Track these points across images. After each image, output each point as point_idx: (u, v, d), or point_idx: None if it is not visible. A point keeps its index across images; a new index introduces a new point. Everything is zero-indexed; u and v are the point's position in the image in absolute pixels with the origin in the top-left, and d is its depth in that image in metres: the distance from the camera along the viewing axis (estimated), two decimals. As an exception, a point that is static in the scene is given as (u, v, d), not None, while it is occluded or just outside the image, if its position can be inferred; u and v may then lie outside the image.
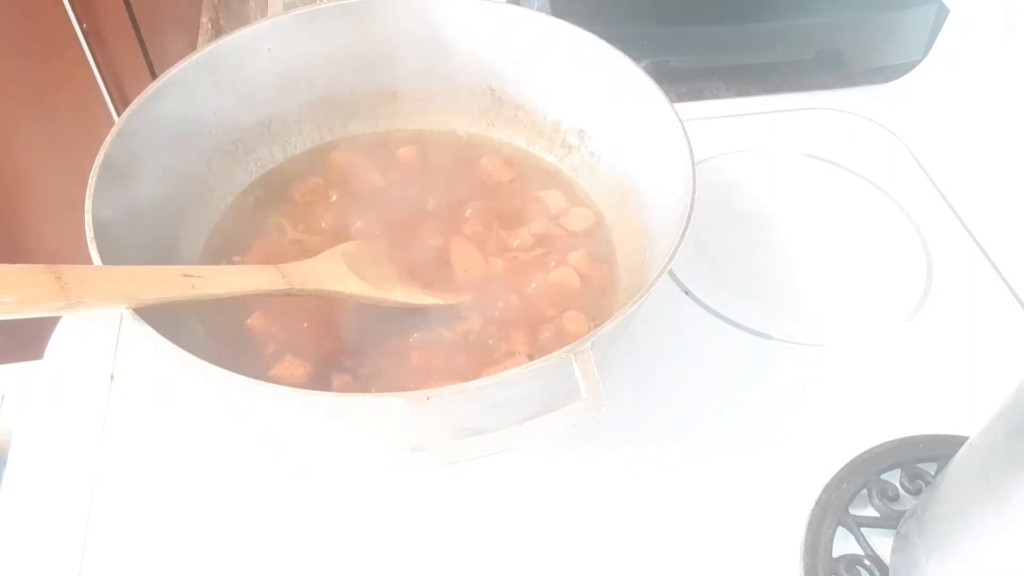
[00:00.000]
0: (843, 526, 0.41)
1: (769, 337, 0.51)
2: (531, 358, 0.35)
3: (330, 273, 0.44)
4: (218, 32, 0.76)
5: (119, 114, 0.59)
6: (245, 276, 0.41)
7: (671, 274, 0.54)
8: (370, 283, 0.44)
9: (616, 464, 0.44)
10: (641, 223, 0.48)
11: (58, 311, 0.34)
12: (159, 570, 0.41)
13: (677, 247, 0.38)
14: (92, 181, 0.40)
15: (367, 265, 0.45)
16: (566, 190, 0.54)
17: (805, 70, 0.71)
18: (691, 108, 0.67)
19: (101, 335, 0.50)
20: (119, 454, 0.45)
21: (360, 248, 0.46)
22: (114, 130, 0.43)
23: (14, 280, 0.33)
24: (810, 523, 0.41)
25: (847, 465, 0.43)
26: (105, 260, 0.37)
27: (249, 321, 0.45)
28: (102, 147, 0.42)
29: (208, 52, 0.48)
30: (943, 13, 0.65)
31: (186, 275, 0.38)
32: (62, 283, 0.33)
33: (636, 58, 0.48)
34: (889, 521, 0.41)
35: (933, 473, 0.43)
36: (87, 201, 0.39)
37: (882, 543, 0.40)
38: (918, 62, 0.67)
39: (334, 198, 0.52)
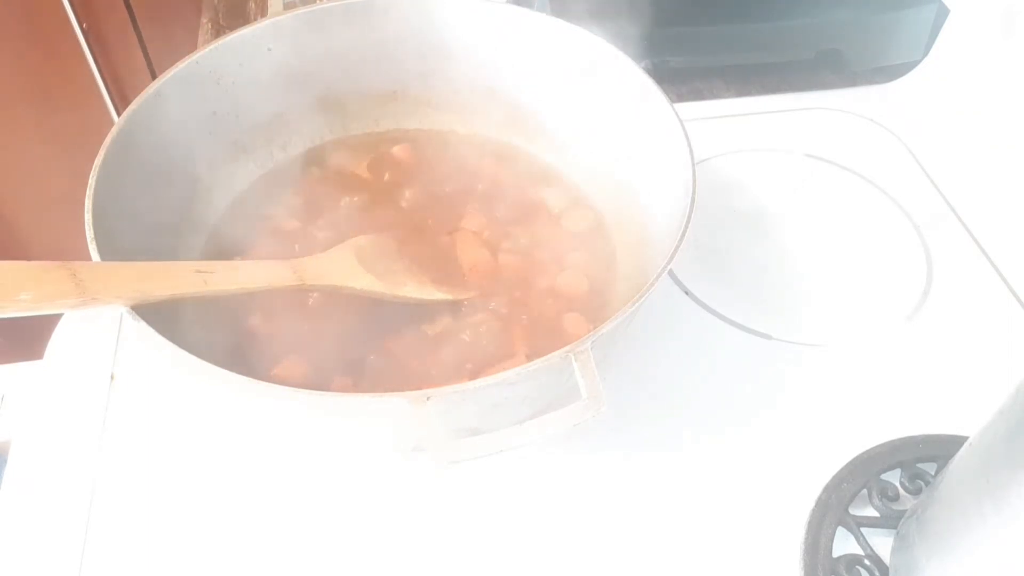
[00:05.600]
0: (843, 526, 0.41)
1: (769, 337, 0.51)
2: (530, 358, 0.35)
3: (341, 268, 0.44)
4: (218, 32, 0.76)
5: (119, 114, 0.59)
6: (257, 271, 0.41)
7: (671, 274, 0.54)
8: (380, 279, 0.44)
9: (616, 464, 0.44)
10: (641, 223, 0.48)
11: (72, 308, 0.34)
12: (159, 570, 0.41)
13: (677, 247, 0.38)
14: (92, 181, 0.40)
15: (378, 260, 0.45)
16: (566, 190, 0.54)
17: (805, 70, 0.71)
18: (691, 108, 0.67)
19: (101, 335, 0.50)
20: (119, 454, 0.45)
21: (371, 243, 0.46)
22: (114, 130, 0.43)
23: (30, 277, 0.33)
24: (810, 523, 0.41)
25: (847, 465, 0.43)
26: (105, 260, 0.37)
27: (250, 321, 0.45)
28: (102, 147, 0.42)
29: (208, 52, 0.48)
30: (943, 13, 0.65)
31: (199, 271, 0.38)
32: (77, 280, 0.33)
33: (636, 58, 0.48)
34: (889, 521, 0.41)
35: (933, 473, 0.43)
36: (87, 201, 0.39)
37: (882, 543, 0.40)
38: (918, 62, 0.67)
39: (334, 198, 0.52)
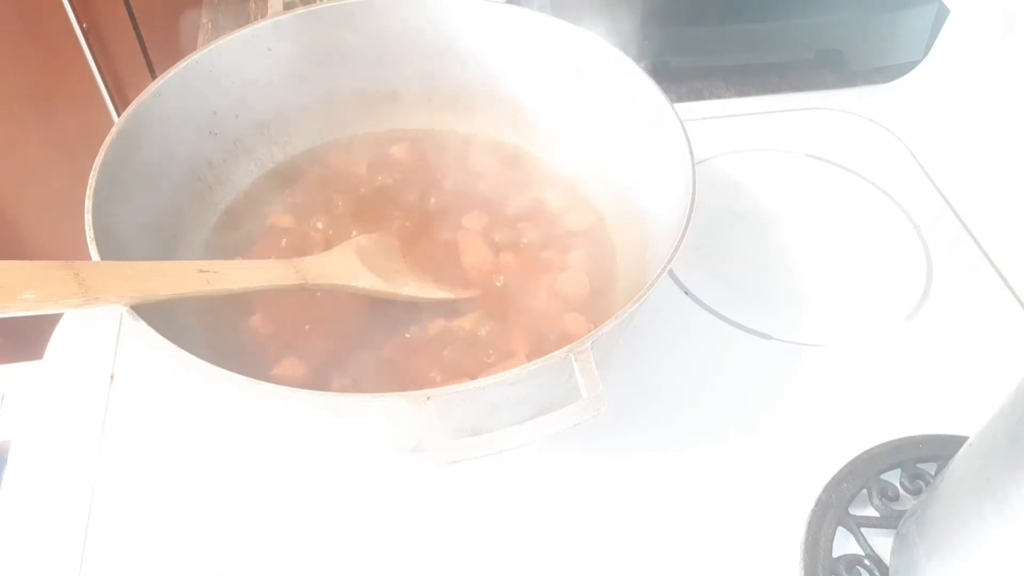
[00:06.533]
0: (843, 526, 0.41)
1: (769, 337, 0.51)
2: (530, 358, 0.35)
3: (343, 267, 0.44)
4: (218, 32, 0.76)
5: (119, 114, 0.59)
6: (259, 271, 0.41)
7: (671, 274, 0.54)
8: (382, 277, 0.44)
9: (615, 464, 0.44)
10: (641, 223, 0.48)
11: (75, 308, 0.34)
12: (159, 570, 0.41)
13: (677, 247, 0.38)
14: (92, 181, 0.40)
15: (379, 259, 0.45)
16: (566, 190, 0.53)
17: (805, 70, 0.71)
18: (691, 108, 0.67)
19: (101, 335, 0.50)
20: (119, 454, 0.45)
21: (373, 242, 0.47)
22: (114, 130, 0.43)
23: (33, 277, 0.33)
24: (810, 523, 0.41)
25: (847, 465, 0.43)
26: (105, 260, 0.37)
27: (250, 321, 0.45)
28: (102, 147, 0.42)
29: (208, 52, 0.48)
30: (943, 13, 0.65)
31: (201, 271, 0.38)
32: (80, 279, 0.33)
33: (636, 58, 0.48)
34: (889, 521, 0.41)
35: (933, 473, 0.43)
36: (87, 201, 0.39)
37: (882, 543, 0.40)
38: (918, 62, 0.67)
39: (334, 198, 0.52)
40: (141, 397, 0.47)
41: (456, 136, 0.57)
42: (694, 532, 0.42)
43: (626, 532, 0.42)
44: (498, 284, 0.48)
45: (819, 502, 0.42)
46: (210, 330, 0.44)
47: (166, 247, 0.46)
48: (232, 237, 0.50)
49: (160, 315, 0.36)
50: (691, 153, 0.43)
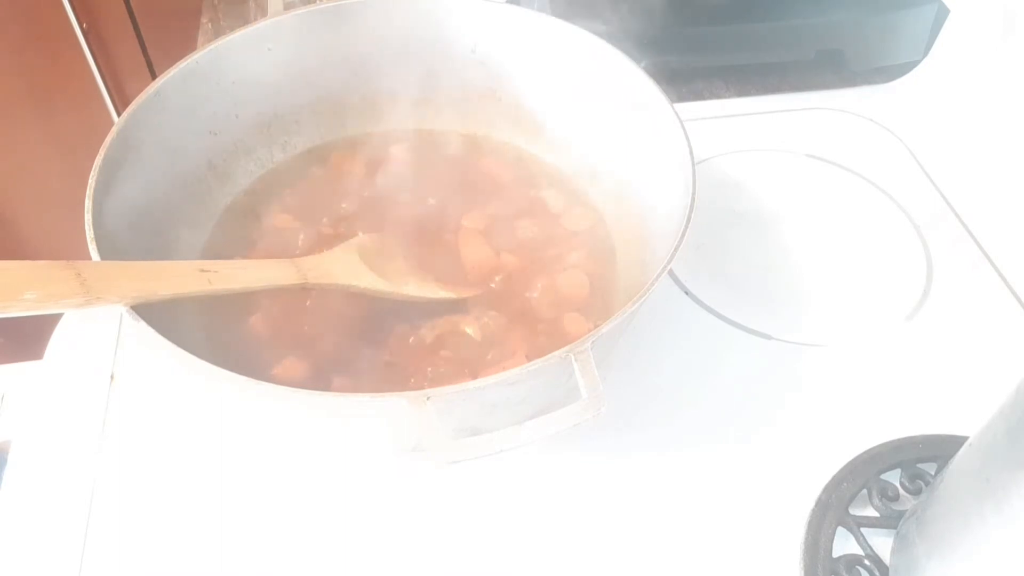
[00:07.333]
0: (843, 526, 0.41)
1: (769, 337, 0.51)
2: (530, 358, 0.35)
3: (344, 267, 0.44)
4: (218, 32, 0.76)
5: (119, 114, 0.59)
6: (260, 270, 0.41)
7: (671, 274, 0.54)
8: (384, 277, 0.44)
9: (615, 464, 0.44)
10: (641, 223, 0.48)
11: (76, 307, 0.34)
12: (159, 570, 0.41)
13: (677, 247, 0.38)
14: (92, 181, 0.40)
15: (381, 259, 0.45)
16: (566, 190, 0.54)
17: (805, 70, 0.71)
18: (691, 108, 0.67)
19: (101, 335, 0.50)
20: (119, 454, 0.45)
21: (374, 242, 0.47)
22: (114, 130, 0.43)
23: (35, 277, 0.33)
24: (810, 523, 0.41)
25: (847, 465, 0.43)
26: (105, 260, 0.37)
27: (250, 321, 0.45)
28: (102, 147, 0.42)
29: (208, 52, 0.48)
30: (943, 13, 0.65)
31: (202, 270, 0.38)
32: (81, 279, 0.33)
33: (636, 58, 0.48)
34: (889, 521, 0.41)
35: (933, 473, 0.43)
36: (87, 201, 0.39)
37: (882, 543, 0.40)
38: (918, 62, 0.67)
39: (333, 199, 0.52)
40: (141, 397, 0.47)
41: (456, 136, 0.57)
42: (694, 532, 0.42)
43: (626, 532, 0.42)
44: (498, 284, 0.48)
45: (819, 502, 0.42)
46: (210, 330, 0.44)
47: (166, 247, 0.46)
48: (232, 237, 0.50)
49: (160, 315, 0.36)
50: (691, 153, 0.43)
